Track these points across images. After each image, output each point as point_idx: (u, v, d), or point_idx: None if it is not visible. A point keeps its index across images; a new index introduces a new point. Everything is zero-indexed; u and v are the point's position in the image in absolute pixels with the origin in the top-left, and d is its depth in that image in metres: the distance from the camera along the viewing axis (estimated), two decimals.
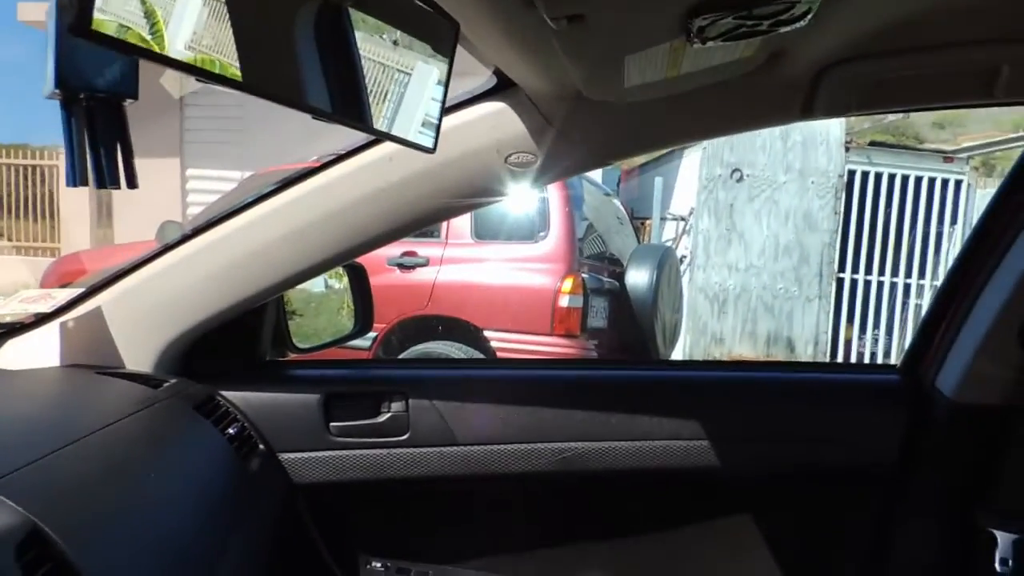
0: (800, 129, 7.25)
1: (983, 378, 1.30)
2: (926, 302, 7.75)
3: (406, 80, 0.52)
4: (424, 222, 1.20)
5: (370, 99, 0.49)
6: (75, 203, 9.57)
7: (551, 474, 1.35)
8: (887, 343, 7.84)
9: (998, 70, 0.96)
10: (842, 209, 7.52)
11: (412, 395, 1.34)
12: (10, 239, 10.57)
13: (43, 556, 0.67)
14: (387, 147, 1.16)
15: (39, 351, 1.22)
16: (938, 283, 7.73)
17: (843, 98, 1.01)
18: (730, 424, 1.37)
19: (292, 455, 1.31)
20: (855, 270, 7.72)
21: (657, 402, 1.37)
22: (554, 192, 4.72)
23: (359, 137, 1.15)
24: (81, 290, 1.25)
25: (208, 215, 6.00)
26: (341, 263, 1.24)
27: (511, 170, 1.12)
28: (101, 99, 0.53)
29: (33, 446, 0.84)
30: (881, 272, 7.73)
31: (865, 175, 7.52)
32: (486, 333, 4.73)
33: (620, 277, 5.18)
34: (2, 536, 0.64)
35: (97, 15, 0.32)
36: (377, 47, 0.49)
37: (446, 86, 0.59)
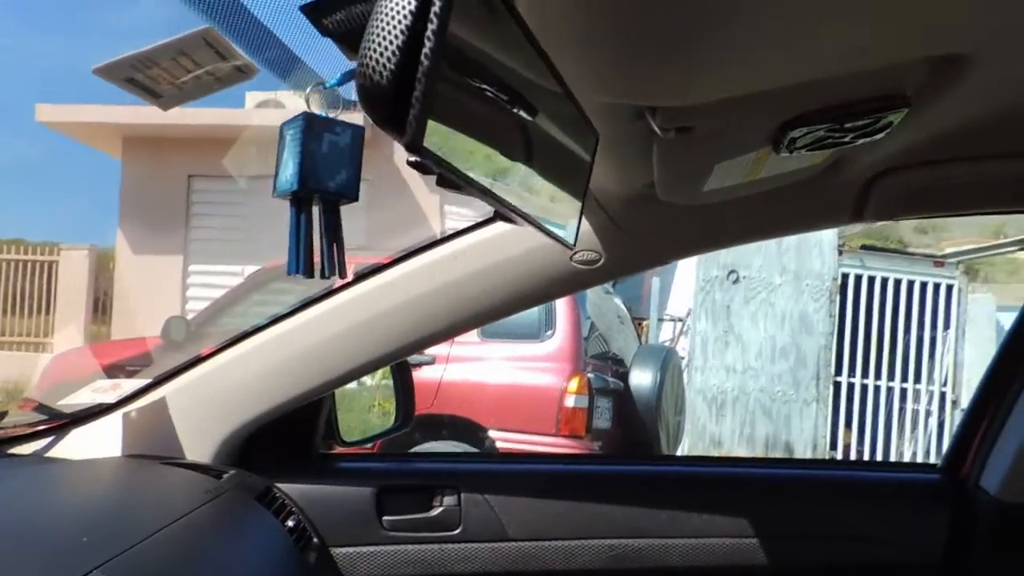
0: None
1: None
2: (923, 408, 7.78)
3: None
4: (486, 319, 1.24)
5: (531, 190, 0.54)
6: (72, 298, 9.60)
7: (602, 572, 1.34)
8: (885, 449, 7.80)
9: None
10: (837, 312, 7.63)
11: (464, 489, 1.35)
12: (2, 334, 10.51)
13: None
14: (454, 245, 1.21)
15: (102, 440, 1.23)
16: (935, 388, 7.79)
17: (891, 204, 1.07)
18: (777, 522, 1.38)
19: (345, 549, 1.31)
20: (851, 374, 7.76)
21: (705, 499, 1.38)
22: None
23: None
24: (147, 381, 1.27)
25: (216, 308, 5.99)
26: (401, 358, 1.27)
27: (576, 268, 1.17)
28: (327, 200, 0.59)
29: (119, 537, 0.85)
30: (878, 376, 7.77)
31: (859, 278, 7.67)
32: (491, 433, 4.71)
33: (624, 377, 5.20)
34: None
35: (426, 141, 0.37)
36: (539, 151, 0.54)
37: (584, 192, 0.64)
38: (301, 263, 0.59)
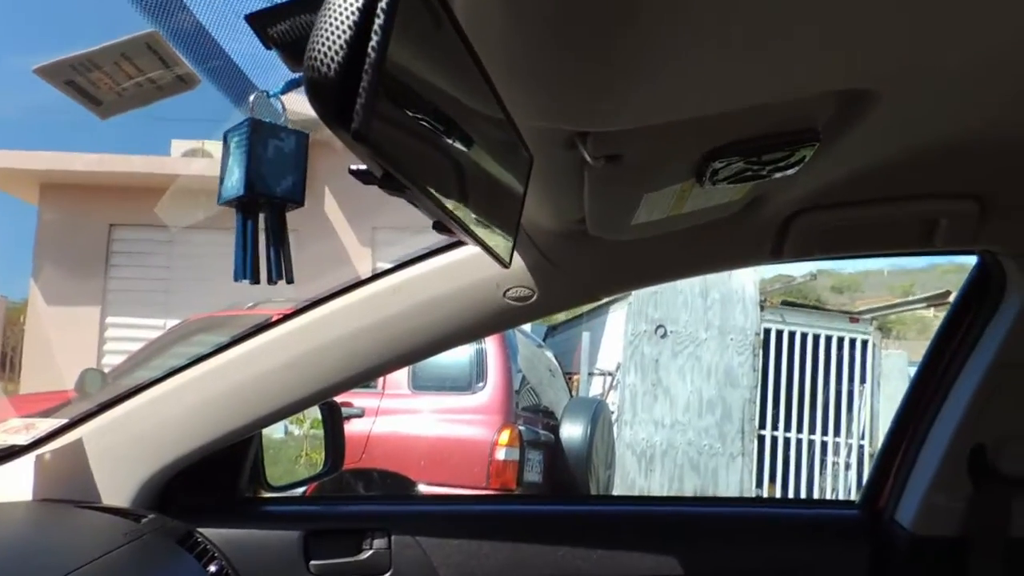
0: (718, 287, 7.67)
1: (939, 509, 1.37)
2: (842, 460, 8.00)
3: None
4: (420, 355, 1.24)
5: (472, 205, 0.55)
6: None
7: None
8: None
9: (937, 221, 1.10)
10: (760, 366, 7.84)
11: (394, 531, 1.32)
12: None
13: None
14: (387, 281, 1.22)
15: (13, 484, 1.17)
16: (853, 441, 8.03)
17: (808, 243, 1.13)
18: (703, 559, 1.40)
19: None
20: (775, 427, 7.94)
21: (634, 537, 1.39)
22: (491, 342, 4.80)
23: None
24: (63, 421, 1.22)
25: (135, 362, 5.77)
26: (336, 395, 1.25)
27: (509, 304, 1.18)
28: (272, 204, 0.60)
29: None
30: (799, 429, 7.97)
31: (780, 333, 7.92)
32: (421, 487, 4.62)
33: (555, 430, 5.20)
34: None
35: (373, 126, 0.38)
36: (477, 163, 0.56)
37: (519, 213, 0.66)
38: (247, 269, 0.59)
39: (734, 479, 7.84)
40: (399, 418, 4.71)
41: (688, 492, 7.78)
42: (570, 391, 7.01)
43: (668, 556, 1.37)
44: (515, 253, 1.17)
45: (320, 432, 1.68)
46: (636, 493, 7.72)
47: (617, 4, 0.49)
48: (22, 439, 1.19)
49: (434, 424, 4.70)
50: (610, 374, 8.14)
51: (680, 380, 7.86)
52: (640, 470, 7.82)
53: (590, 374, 8.31)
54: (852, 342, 8.06)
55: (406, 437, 4.65)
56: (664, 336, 7.77)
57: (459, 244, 1.18)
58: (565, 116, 0.65)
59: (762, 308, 7.84)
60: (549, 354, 6.40)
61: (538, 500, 1.99)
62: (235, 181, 0.57)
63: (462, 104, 0.49)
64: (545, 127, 0.68)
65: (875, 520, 1.48)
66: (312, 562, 1.29)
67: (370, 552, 1.31)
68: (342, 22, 0.38)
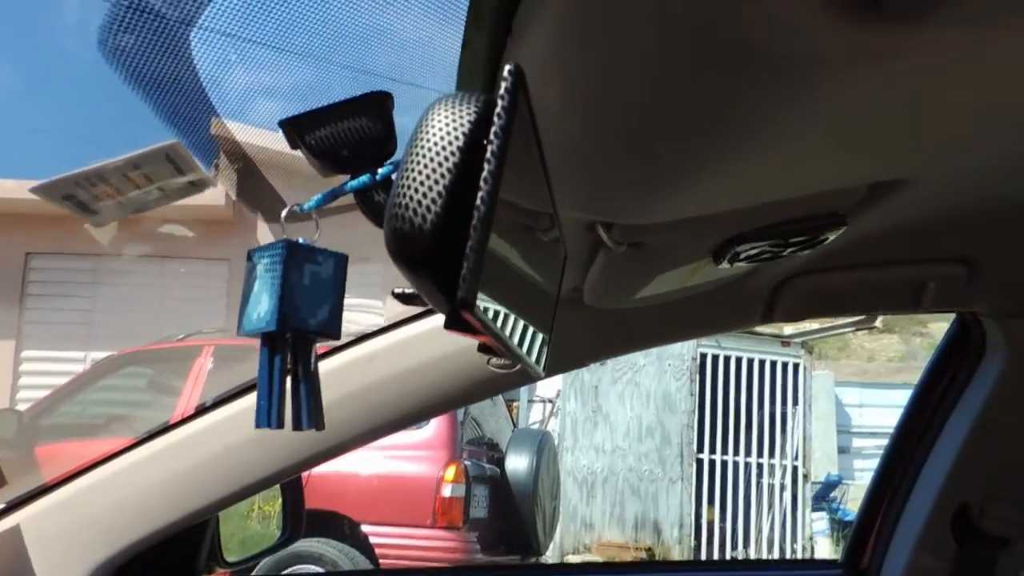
0: None
1: (924, 570, 1.36)
2: (777, 482, 8.16)
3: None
4: (399, 425, 1.16)
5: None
6: None
7: None
8: (745, 525, 8.07)
9: (925, 283, 1.10)
10: (697, 391, 7.95)
11: None
12: None
13: None
14: (366, 347, 1.14)
15: None
16: (787, 463, 8.20)
17: (799, 306, 1.11)
18: None
19: None
20: (712, 450, 8.05)
21: None
22: None
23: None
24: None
25: (56, 398, 5.48)
26: (309, 468, 1.17)
27: (493, 372, 1.12)
28: (305, 338, 0.51)
29: None
30: (736, 452, 8.10)
31: (715, 358, 8.05)
32: (364, 528, 4.48)
33: (500, 463, 5.12)
34: None
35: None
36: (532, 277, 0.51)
37: (553, 317, 0.60)
38: (273, 414, 0.51)
39: (674, 503, 7.90)
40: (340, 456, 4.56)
41: (629, 518, 7.80)
42: (512, 420, 6.95)
43: None
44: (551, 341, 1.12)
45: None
46: (578, 520, 7.69)
47: (668, 118, 0.48)
48: None
49: (376, 461, 4.56)
50: (550, 401, 8.12)
51: (620, 406, 7.90)
52: (582, 497, 7.80)
53: (530, 401, 8.28)
54: (784, 365, 8.25)
55: (347, 476, 4.50)
56: (603, 363, 7.80)
57: (434, 311, 1.11)
58: (599, 211, 0.61)
59: None
60: None
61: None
62: (264, 312, 0.49)
63: (523, 216, 0.43)
64: (568, 215, 0.64)
65: None
66: None
67: None
68: (440, 163, 0.31)
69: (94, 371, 5.49)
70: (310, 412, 0.54)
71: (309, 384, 0.53)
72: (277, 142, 0.47)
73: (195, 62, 0.45)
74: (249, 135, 0.52)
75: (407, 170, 0.31)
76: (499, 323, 0.44)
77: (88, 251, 7.44)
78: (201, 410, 1.13)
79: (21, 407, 6.40)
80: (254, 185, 0.54)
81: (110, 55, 0.42)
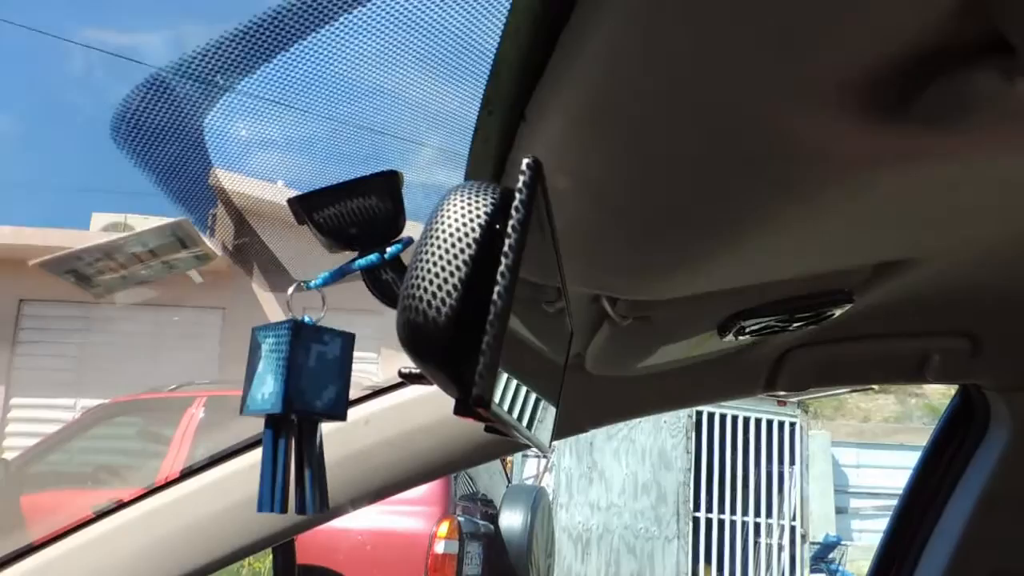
0: None
1: None
2: (775, 542, 8.03)
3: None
4: (392, 490, 1.14)
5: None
6: None
7: None
8: None
9: (929, 356, 1.09)
10: (693, 448, 7.87)
11: None
12: None
13: None
14: (362, 410, 1.13)
15: None
16: (785, 523, 8.08)
17: (801, 376, 1.10)
18: None
19: None
20: (709, 509, 7.93)
21: None
22: None
23: None
24: None
25: (46, 446, 5.40)
26: (303, 532, 1.14)
27: (491, 437, 1.11)
28: (309, 420, 0.50)
29: None
30: (733, 511, 7.99)
31: (711, 416, 7.99)
32: None
33: (494, 519, 5.04)
34: None
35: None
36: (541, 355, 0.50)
37: (560, 389, 0.59)
38: (277, 499, 0.49)
39: (670, 562, 7.75)
40: None
41: None
42: (507, 476, 6.86)
43: None
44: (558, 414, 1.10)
45: None
46: None
47: (682, 209, 0.48)
48: None
49: (367, 516, 4.48)
50: (545, 456, 8.02)
51: (615, 462, 7.80)
52: (577, 555, 7.66)
53: (524, 456, 8.18)
54: (781, 425, 8.19)
55: (337, 531, 4.41)
56: None
57: None
58: (606, 287, 0.61)
59: None
60: None
61: None
62: (269, 395, 0.48)
63: (529, 289, 0.43)
64: (576, 290, 0.63)
65: None
66: None
67: None
68: (456, 255, 0.30)
69: (84, 419, 5.43)
70: (314, 497, 0.52)
71: (314, 469, 0.52)
72: (287, 216, 0.47)
73: (207, 146, 0.45)
74: (258, 206, 0.52)
75: (422, 260, 0.31)
76: (507, 406, 0.43)
77: (82, 299, 7.42)
78: (190, 471, 1.11)
79: (8, 455, 6.31)
80: (260, 259, 0.53)
81: (122, 142, 0.41)
